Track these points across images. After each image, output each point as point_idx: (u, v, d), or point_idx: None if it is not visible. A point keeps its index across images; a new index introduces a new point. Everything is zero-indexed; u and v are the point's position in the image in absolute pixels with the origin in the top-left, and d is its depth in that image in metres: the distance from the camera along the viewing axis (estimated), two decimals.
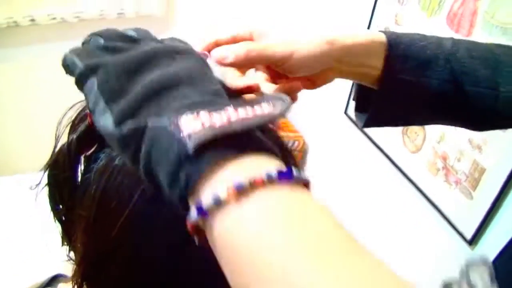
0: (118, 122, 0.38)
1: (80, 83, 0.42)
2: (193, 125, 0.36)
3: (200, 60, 0.45)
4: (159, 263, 0.51)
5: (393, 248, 1.82)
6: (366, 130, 1.92)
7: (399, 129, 1.73)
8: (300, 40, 0.58)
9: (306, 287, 0.29)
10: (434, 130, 1.57)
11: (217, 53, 0.54)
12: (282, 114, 0.39)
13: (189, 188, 0.35)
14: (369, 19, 1.82)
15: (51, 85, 2.16)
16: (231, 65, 0.54)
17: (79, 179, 0.55)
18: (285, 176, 0.35)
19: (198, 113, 0.36)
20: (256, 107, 0.39)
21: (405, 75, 0.62)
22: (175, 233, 0.49)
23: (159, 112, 0.38)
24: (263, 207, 0.34)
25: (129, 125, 0.38)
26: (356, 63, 0.61)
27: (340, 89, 2.00)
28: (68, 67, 0.44)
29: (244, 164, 0.35)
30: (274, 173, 0.34)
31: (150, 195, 0.49)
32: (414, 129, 1.66)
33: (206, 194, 0.34)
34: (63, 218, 0.59)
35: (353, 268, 0.30)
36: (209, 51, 0.56)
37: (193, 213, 0.35)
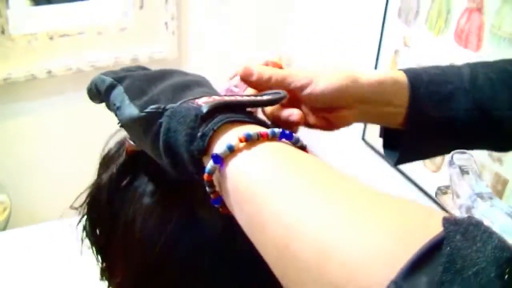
0: (141, 109, 0.45)
1: (107, 94, 0.49)
2: (207, 100, 0.43)
3: (208, 81, 0.52)
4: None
5: None
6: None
7: None
8: (322, 72, 0.59)
9: (306, 209, 0.33)
10: None
11: (244, 69, 0.58)
12: (278, 100, 0.47)
13: (205, 143, 0.40)
14: (378, 43, 1.84)
15: (69, 135, 2.21)
16: (254, 83, 0.57)
17: (117, 210, 0.56)
18: (286, 136, 0.41)
19: (211, 96, 0.44)
20: (258, 97, 0.47)
21: (431, 112, 0.62)
22: (209, 256, 0.50)
23: (176, 101, 0.44)
24: (269, 152, 0.39)
25: (150, 108, 0.44)
26: (383, 102, 0.61)
27: None
28: (96, 86, 0.51)
29: (250, 126, 0.41)
30: (277, 131, 0.40)
31: (181, 222, 0.51)
32: None
33: (220, 144, 0.40)
34: (102, 250, 0.60)
35: (362, 199, 0.34)
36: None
37: (209, 164, 0.40)
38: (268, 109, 0.57)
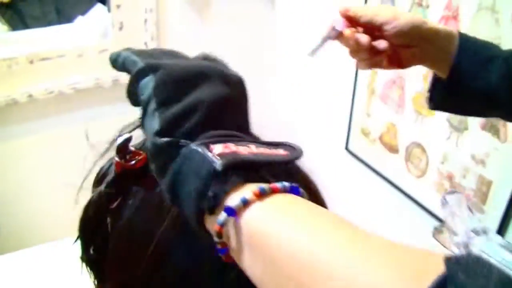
0: (160, 131, 0.43)
1: (137, 79, 0.46)
2: (222, 150, 0.41)
3: (245, 89, 0.51)
4: None
5: None
6: (370, 163, 1.93)
7: (401, 157, 1.74)
8: (402, 12, 0.80)
9: (330, 260, 0.34)
10: (436, 152, 1.58)
11: (343, 8, 0.84)
12: (292, 159, 0.46)
13: (216, 202, 0.40)
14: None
15: (52, 159, 2.19)
16: (350, 16, 0.84)
17: (109, 228, 0.56)
18: (295, 191, 0.42)
19: (226, 143, 0.43)
20: (272, 149, 0.45)
21: (472, 67, 0.79)
22: (206, 267, 0.50)
23: (195, 135, 0.43)
24: (284, 203, 0.40)
25: (165, 141, 0.43)
26: (441, 46, 0.80)
27: (339, 126, 2.02)
28: (123, 63, 0.50)
29: (262, 184, 0.41)
30: (287, 185, 0.41)
31: (177, 239, 0.51)
32: (416, 154, 1.67)
33: (233, 198, 0.40)
34: (96, 269, 0.60)
35: (369, 243, 0.35)
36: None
37: (223, 217, 0.39)
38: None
